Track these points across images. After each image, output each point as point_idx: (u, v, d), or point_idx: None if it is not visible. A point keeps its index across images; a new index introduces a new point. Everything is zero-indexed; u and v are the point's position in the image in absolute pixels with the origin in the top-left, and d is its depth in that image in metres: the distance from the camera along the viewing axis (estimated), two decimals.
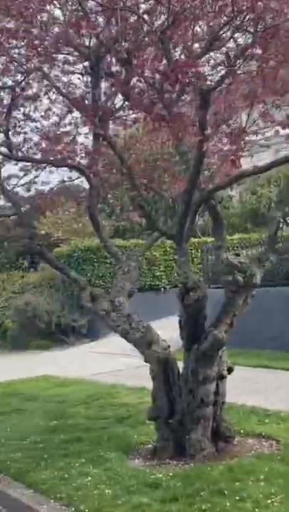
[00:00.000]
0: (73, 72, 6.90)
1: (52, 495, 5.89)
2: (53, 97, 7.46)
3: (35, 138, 7.85)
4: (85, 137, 7.87)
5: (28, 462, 6.90)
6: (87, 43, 6.39)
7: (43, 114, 7.58)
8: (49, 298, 20.46)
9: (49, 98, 7.51)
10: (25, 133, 7.65)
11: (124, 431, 7.81)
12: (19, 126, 7.55)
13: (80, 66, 6.86)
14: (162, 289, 21.41)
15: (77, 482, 6.08)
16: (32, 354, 18.61)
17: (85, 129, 7.68)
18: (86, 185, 8.03)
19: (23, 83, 6.93)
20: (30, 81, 7.01)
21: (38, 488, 6.12)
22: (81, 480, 6.13)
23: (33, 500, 5.91)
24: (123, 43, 5.76)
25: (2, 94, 7.39)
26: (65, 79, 7.06)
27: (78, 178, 8.47)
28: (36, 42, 5.85)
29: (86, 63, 6.72)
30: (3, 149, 7.73)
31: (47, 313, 19.68)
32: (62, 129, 7.83)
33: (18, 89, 7.05)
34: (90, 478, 6.16)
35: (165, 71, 5.19)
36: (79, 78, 7.32)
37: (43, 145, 7.80)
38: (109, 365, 14.35)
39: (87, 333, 19.83)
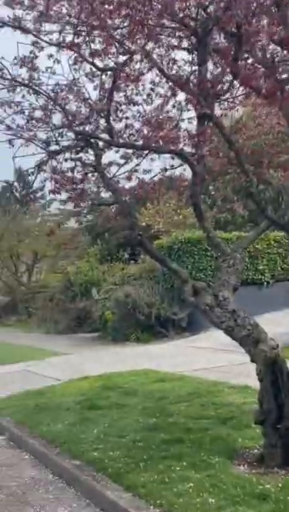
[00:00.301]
0: (178, 47, 6.45)
1: (151, 500, 5.54)
2: (156, 79, 7.11)
3: (137, 124, 7.53)
4: (188, 122, 7.48)
5: (126, 462, 6.59)
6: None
7: (144, 97, 7.22)
8: (149, 290, 20.33)
9: (152, 81, 7.17)
10: (126, 118, 7.33)
11: (227, 433, 7.33)
12: (120, 111, 7.24)
13: (185, 44, 6.43)
14: (265, 283, 20.73)
15: (178, 488, 5.71)
16: (132, 346, 18.54)
17: (188, 114, 7.29)
18: (188, 174, 7.63)
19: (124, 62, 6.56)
20: (133, 61, 6.64)
21: (137, 492, 5.78)
22: (182, 486, 5.75)
23: (131, 504, 5.57)
24: (232, 15, 5.27)
25: (104, 77, 7.10)
26: (168, 58, 6.64)
27: (180, 165, 8.07)
28: (139, 17, 5.48)
29: (193, 39, 6.26)
30: (104, 135, 7.45)
31: (147, 306, 19.56)
32: (164, 115, 7.48)
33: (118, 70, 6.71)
34: (191, 484, 5.77)
35: (283, 38, 4.68)
36: (183, 59, 6.93)
37: (145, 131, 7.46)
38: (210, 360, 13.90)
39: (187, 327, 19.50)
